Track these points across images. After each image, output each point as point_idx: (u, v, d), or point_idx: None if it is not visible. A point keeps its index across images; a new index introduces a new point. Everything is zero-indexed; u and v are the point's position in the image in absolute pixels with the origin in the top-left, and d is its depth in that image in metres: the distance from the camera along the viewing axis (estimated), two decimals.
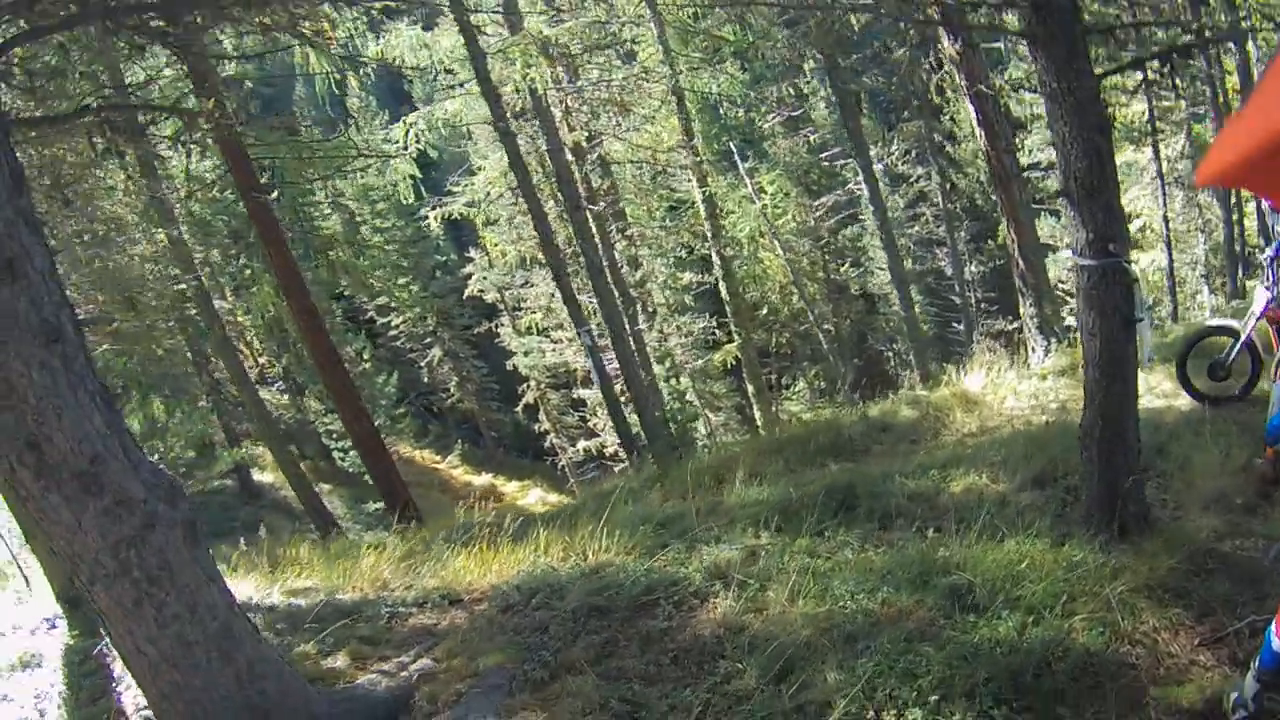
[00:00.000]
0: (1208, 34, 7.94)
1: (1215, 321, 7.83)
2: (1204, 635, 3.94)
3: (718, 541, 5.30)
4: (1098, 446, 4.72)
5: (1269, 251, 6.38)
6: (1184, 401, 7.38)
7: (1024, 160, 21.25)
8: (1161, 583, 4.22)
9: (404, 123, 15.85)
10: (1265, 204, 7.19)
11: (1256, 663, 3.56)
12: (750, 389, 23.29)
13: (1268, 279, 6.45)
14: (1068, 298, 16.34)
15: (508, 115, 15.20)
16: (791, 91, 23.31)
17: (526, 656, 4.24)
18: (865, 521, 5.78)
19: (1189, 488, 5.43)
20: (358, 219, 30.52)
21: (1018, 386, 8.99)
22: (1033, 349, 11.41)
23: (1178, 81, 16.23)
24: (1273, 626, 3.44)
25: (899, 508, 5.87)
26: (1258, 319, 6.56)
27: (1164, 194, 21.52)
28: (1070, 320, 11.55)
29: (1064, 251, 20.05)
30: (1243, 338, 6.75)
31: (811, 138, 24.68)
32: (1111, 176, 4.50)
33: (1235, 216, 21.64)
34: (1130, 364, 4.67)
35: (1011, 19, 7.60)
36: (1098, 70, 4.71)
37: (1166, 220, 21.77)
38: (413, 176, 16.39)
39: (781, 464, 8.38)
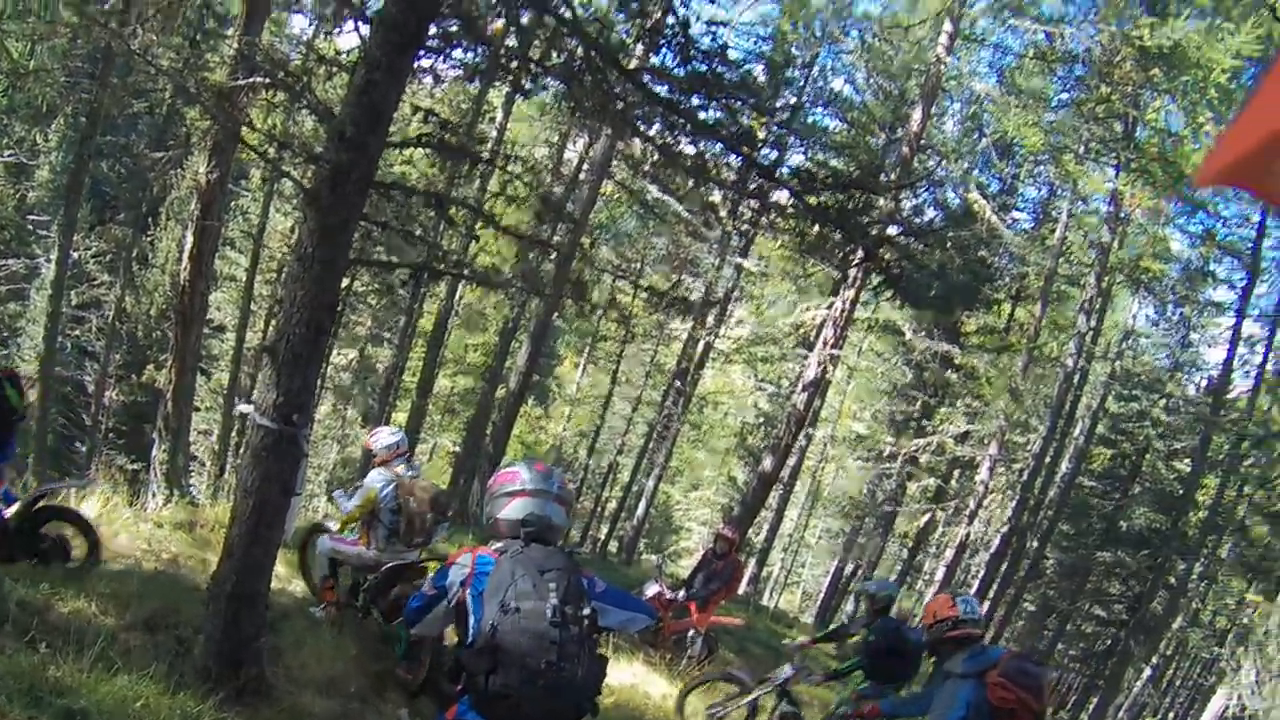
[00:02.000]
0: (467, 271, 9.28)
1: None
2: None
3: None
4: (228, 602, 4.68)
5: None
6: (299, 587, 7.71)
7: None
8: None
9: None
10: None
11: None
12: None
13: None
14: (195, 455, 16.34)
15: None
16: None
17: None
18: None
19: (303, 668, 5.59)
20: None
21: (133, 526, 8.54)
22: (153, 493, 10.93)
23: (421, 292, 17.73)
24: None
25: (10, 614, 5.12)
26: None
27: (318, 396, 22.76)
28: (195, 477, 11.43)
29: (245, 406, 19.91)
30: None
31: None
32: (319, 353, 4.68)
33: None
34: (277, 532, 4.75)
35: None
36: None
37: (311, 421, 22.98)
38: None
39: None
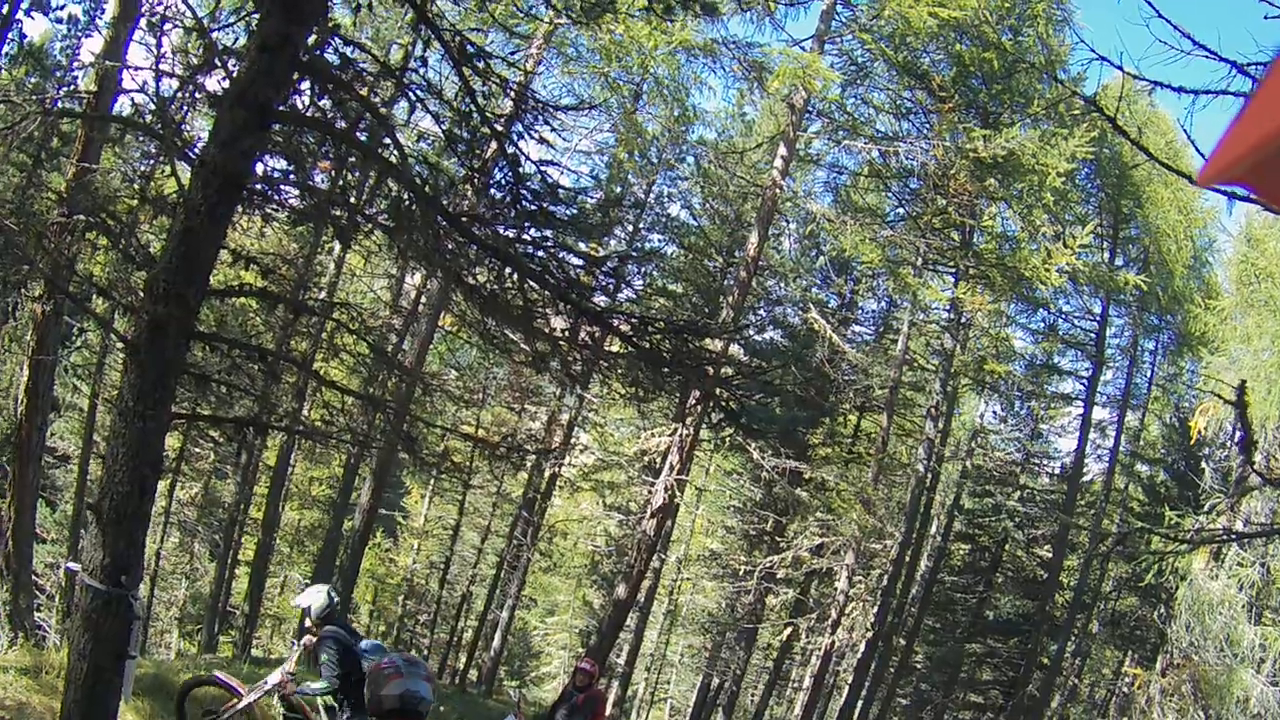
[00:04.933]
0: (295, 427, 9.28)
1: (221, 675, 8.23)
2: None
3: None
4: None
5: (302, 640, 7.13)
6: None
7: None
8: None
9: None
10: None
11: None
12: None
13: (291, 658, 7.26)
14: (40, 593, 15.51)
15: None
16: None
17: None
18: None
19: None
20: None
21: None
22: None
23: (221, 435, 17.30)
24: None
25: None
26: (269, 688, 7.18)
27: (164, 531, 21.97)
28: (45, 612, 10.92)
29: (73, 564, 18.84)
30: (246, 700, 7.21)
31: None
32: (146, 512, 4.64)
33: (227, 574, 22.91)
34: (113, 696, 4.65)
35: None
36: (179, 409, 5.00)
37: (158, 556, 22.02)
38: None
39: None
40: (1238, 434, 20.75)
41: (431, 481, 28.55)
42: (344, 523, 18.25)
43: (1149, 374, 25.72)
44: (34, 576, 14.16)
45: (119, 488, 4.38)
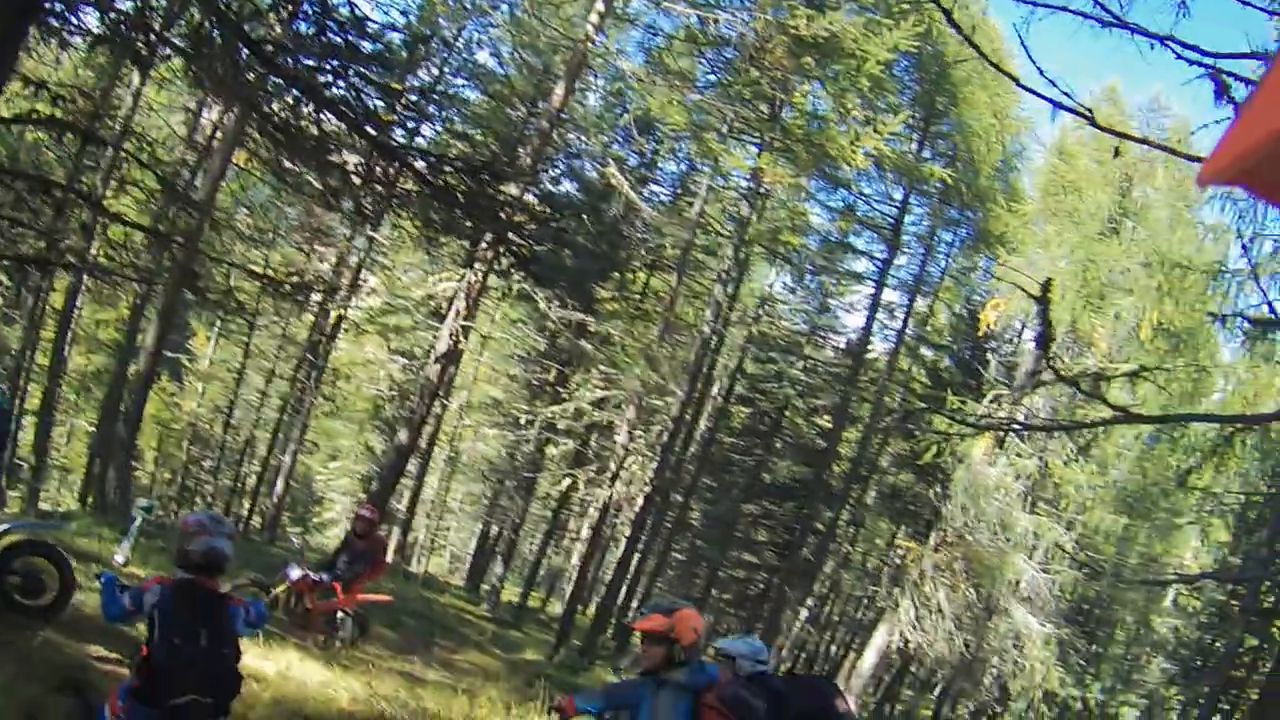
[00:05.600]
0: (73, 261, 8.49)
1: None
2: None
3: None
4: None
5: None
6: None
7: None
8: None
9: None
10: None
11: None
12: None
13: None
14: None
15: None
16: None
17: None
18: None
19: None
20: None
21: None
22: None
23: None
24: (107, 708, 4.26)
25: None
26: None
27: None
28: None
29: None
30: None
31: None
32: None
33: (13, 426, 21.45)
34: None
35: None
36: None
37: None
38: None
39: None
40: (1031, 330, 22.18)
41: (217, 323, 27.60)
42: (129, 366, 17.38)
43: (943, 264, 26.72)
44: None
45: None
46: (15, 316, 22.59)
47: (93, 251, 10.82)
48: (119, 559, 4.92)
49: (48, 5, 4.75)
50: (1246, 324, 9.90)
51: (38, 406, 21.80)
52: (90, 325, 25.17)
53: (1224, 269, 12.31)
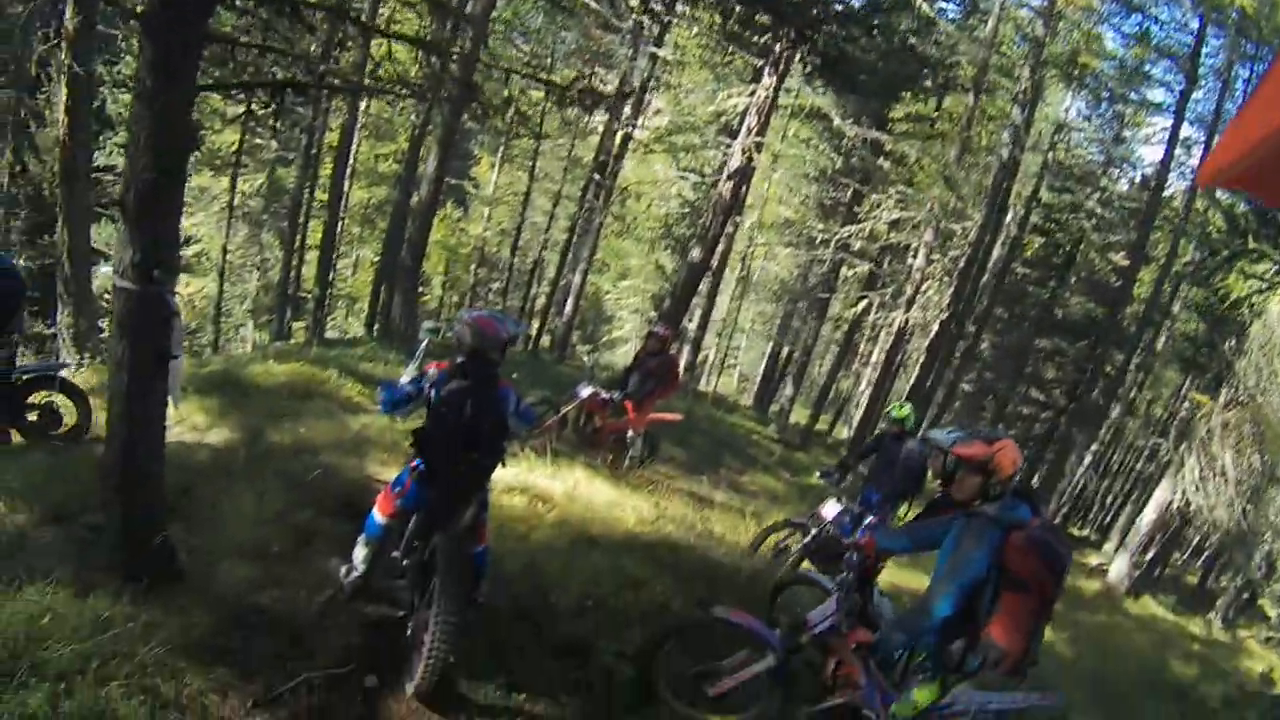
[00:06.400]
0: (335, 81, 8.67)
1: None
2: (256, 695, 3.91)
3: None
4: (119, 491, 4.36)
5: None
6: (218, 437, 7.63)
7: (103, 160, 19.84)
8: (201, 641, 4.10)
9: None
10: None
11: (364, 534, 4.74)
12: None
13: None
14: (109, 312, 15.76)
15: None
16: None
17: None
18: None
19: (220, 534, 5.32)
20: None
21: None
22: (63, 359, 10.87)
23: (278, 122, 16.96)
24: (375, 508, 4.66)
25: None
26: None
27: (229, 225, 22.27)
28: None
29: (105, 268, 19.37)
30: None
31: None
32: (176, 199, 4.25)
33: (295, 261, 23.23)
34: (159, 402, 4.37)
35: None
36: (204, 82, 4.35)
37: (225, 251, 22.51)
38: None
39: None
40: None
41: (500, 149, 28.38)
42: (411, 197, 18.24)
43: (1240, 101, 24.08)
44: (96, 297, 14.17)
45: (143, 175, 3.90)
46: (291, 158, 23.69)
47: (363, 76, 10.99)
48: (404, 381, 5.19)
49: None
50: None
51: (318, 242, 22.87)
52: (368, 159, 26.10)
53: None
